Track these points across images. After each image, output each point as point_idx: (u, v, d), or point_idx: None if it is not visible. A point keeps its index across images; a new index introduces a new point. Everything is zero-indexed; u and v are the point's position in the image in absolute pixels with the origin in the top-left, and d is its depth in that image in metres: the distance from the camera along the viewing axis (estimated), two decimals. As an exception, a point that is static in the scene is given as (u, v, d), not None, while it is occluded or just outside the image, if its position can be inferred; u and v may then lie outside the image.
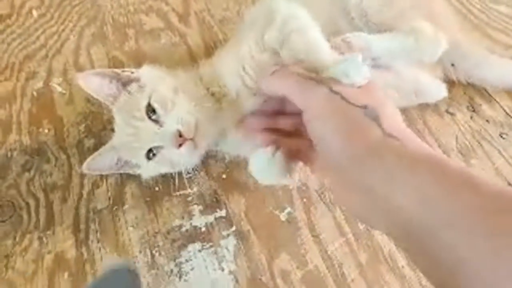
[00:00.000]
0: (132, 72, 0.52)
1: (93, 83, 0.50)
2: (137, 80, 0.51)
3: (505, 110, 0.61)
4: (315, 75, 0.40)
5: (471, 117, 0.61)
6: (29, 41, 0.72)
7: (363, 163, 0.34)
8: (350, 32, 0.53)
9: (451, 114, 0.61)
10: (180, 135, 0.46)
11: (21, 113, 0.62)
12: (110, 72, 0.50)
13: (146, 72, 0.53)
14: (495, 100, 0.62)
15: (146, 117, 0.47)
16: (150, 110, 0.48)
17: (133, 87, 0.51)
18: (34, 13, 0.76)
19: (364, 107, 0.35)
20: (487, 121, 0.60)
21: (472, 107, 0.62)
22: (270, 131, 0.46)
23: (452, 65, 0.61)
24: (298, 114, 0.43)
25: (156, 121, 0.47)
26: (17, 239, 0.50)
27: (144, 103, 0.48)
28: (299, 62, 0.45)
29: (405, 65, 0.55)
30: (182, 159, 0.48)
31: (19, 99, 0.63)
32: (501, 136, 0.59)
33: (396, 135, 0.33)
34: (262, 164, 0.45)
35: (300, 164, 0.45)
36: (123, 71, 0.52)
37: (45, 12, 0.77)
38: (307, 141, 0.42)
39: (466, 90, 0.63)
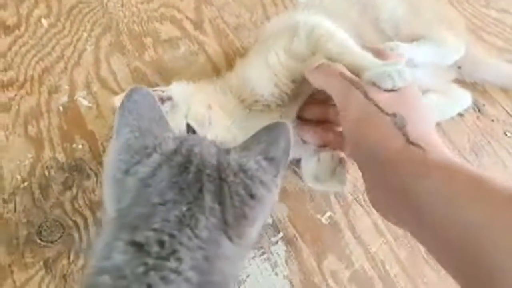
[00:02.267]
0: (163, 91, 0.51)
1: None
2: (169, 98, 0.51)
3: (505, 110, 0.65)
4: (355, 77, 0.41)
5: (478, 117, 0.65)
6: (44, 52, 0.68)
7: (386, 167, 0.36)
8: (376, 43, 0.55)
9: (460, 115, 0.65)
10: None
11: (51, 129, 0.59)
12: None
13: (176, 90, 0.52)
14: (496, 100, 0.66)
15: None
16: (189, 130, 0.48)
17: (167, 106, 0.50)
18: (44, 22, 0.72)
19: (394, 115, 0.37)
20: (492, 120, 0.64)
21: (478, 108, 0.66)
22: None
23: (459, 67, 0.64)
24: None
25: None
26: (72, 258, 0.49)
27: (183, 123, 0.48)
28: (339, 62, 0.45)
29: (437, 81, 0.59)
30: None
31: (46, 115, 0.60)
32: (505, 134, 0.63)
33: (419, 144, 0.35)
34: (313, 169, 0.47)
35: (347, 167, 0.47)
36: (154, 90, 0.51)
37: (55, 22, 0.72)
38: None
39: (470, 92, 0.67)
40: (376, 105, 0.38)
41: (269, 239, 0.51)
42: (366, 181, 0.40)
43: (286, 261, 0.50)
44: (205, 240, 0.27)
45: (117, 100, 0.47)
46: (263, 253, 0.50)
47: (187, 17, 0.75)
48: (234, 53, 0.71)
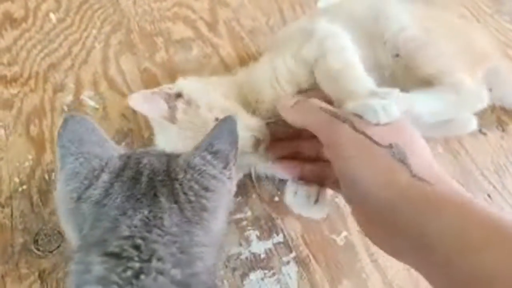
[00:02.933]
0: (170, 88, 0.48)
1: (144, 106, 0.46)
2: (178, 95, 0.48)
3: (531, 130, 0.62)
4: (338, 110, 0.38)
5: (502, 137, 0.61)
6: (51, 48, 0.65)
7: (391, 206, 0.32)
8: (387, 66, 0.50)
9: (484, 134, 0.61)
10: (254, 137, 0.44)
11: (54, 129, 0.56)
12: (153, 93, 0.47)
13: (185, 86, 0.49)
14: (521, 119, 0.63)
15: None
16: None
17: (180, 104, 0.47)
18: (52, 16, 0.69)
19: (390, 146, 0.34)
20: (516, 140, 0.61)
21: (502, 127, 0.62)
22: (291, 158, 0.45)
23: (490, 90, 0.56)
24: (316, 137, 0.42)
25: None
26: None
27: (211, 118, 0.45)
28: (331, 82, 0.43)
29: None
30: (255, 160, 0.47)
31: (49, 114, 0.57)
32: (530, 155, 0.59)
33: (425, 177, 0.32)
34: (290, 200, 0.44)
35: (328, 195, 0.44)
36: (160, 88, 0.48)
37: (64, 17, 0.69)
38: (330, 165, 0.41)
39: (493, 110, 0.63)
40: (368, 137, 0.34)
41: (281, 258, 0.48)
42: (364, 220, 0.37)
43: (298, 283, 0.46)
44: (177, 234, 0.28)
45: (133, 100, 0.44)
46: (274, 274, 0.47)
47: (201, 18, 0.72)
48: (249, 57, 0.67)
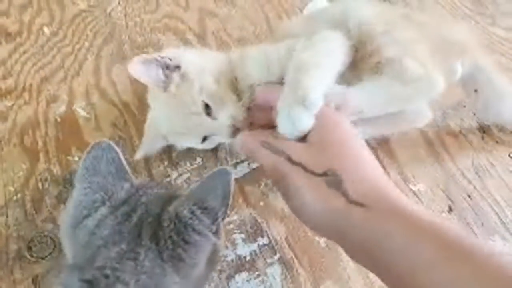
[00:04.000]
0: (170, 59, 0.49)
1: (142, 71, 0.46)
2: (177, 67, 0.49)
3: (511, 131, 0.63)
4: (276, 142, 0.38)
5: (482, 138, 0.62)
6: (45, 61, 0.67)
7: (338, 232, 0.34)
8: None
9: (464, 135, 0.62)
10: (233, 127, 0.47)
11: (47, 139, 0.58)
12: (153, 59, 0.48)
13: (184, 59, 0.50)
14: (502, 121, 0.64)
15: (203, 113, 0.48)
16: (204, 105, 0.48)
17: (175, 76, 0.49)
18: (46, 30, 0.71)
19: (325, 174, 0.34)
20: (496, 142, 0.62)
21: (482, 129, 0.63)
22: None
23: (475, 91, 0.57)
24: None
25: (209, 115, 0.48)
26: (61, 276, 0.47)
27: (199, 99, 0.47)
28: (295, 71, 0.42)
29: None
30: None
31: (43, 125, 0.59)
32: (510, 156, 0.61)
33: (364, 201, 0.32)
34: None
35: None
36: (161, 57, 0.49)
37: (57, 30, 0.71)
38: None
39: (475, 111, 0.65)
40: (303, 167, 0.35)
41: (265, 260, 0.49)
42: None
43: (282, 284, 0.48)
44: (149, 268, 0.30)
45: (133, 63, 0.45)
46: (259, 276, 0.48)
47: (190, 29, 0.74)
48: (236, 66, 0.69)
